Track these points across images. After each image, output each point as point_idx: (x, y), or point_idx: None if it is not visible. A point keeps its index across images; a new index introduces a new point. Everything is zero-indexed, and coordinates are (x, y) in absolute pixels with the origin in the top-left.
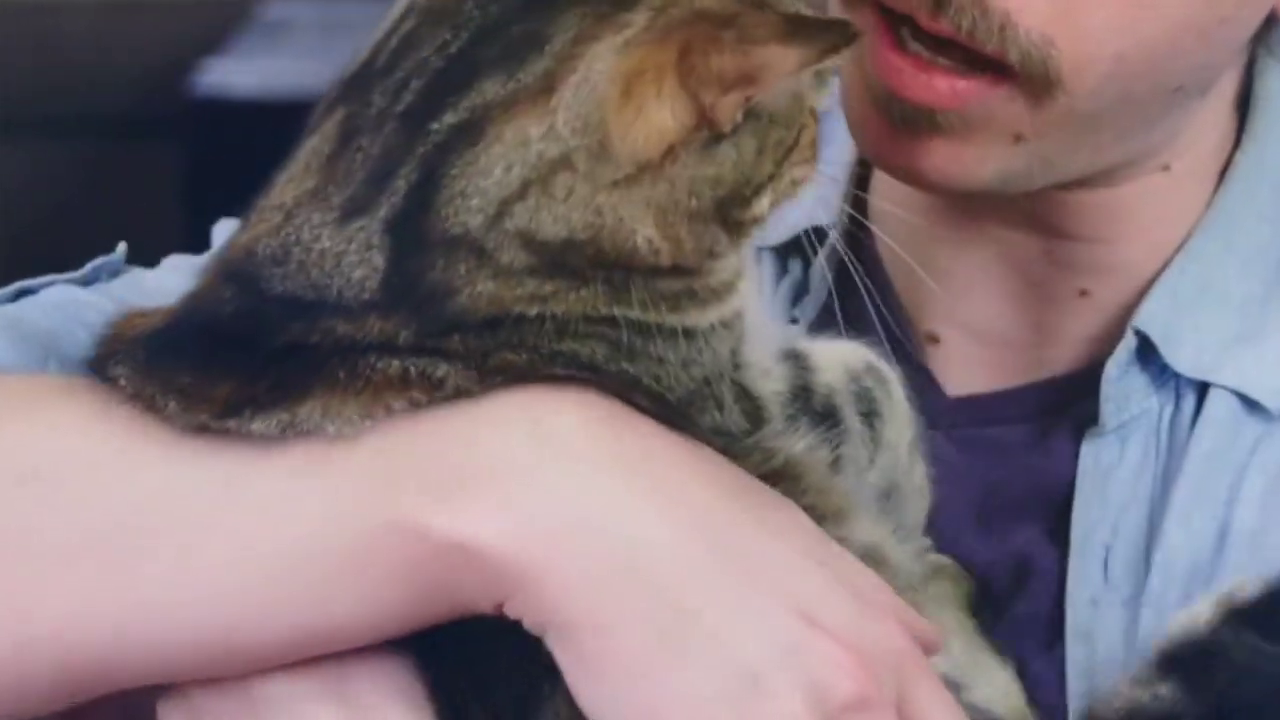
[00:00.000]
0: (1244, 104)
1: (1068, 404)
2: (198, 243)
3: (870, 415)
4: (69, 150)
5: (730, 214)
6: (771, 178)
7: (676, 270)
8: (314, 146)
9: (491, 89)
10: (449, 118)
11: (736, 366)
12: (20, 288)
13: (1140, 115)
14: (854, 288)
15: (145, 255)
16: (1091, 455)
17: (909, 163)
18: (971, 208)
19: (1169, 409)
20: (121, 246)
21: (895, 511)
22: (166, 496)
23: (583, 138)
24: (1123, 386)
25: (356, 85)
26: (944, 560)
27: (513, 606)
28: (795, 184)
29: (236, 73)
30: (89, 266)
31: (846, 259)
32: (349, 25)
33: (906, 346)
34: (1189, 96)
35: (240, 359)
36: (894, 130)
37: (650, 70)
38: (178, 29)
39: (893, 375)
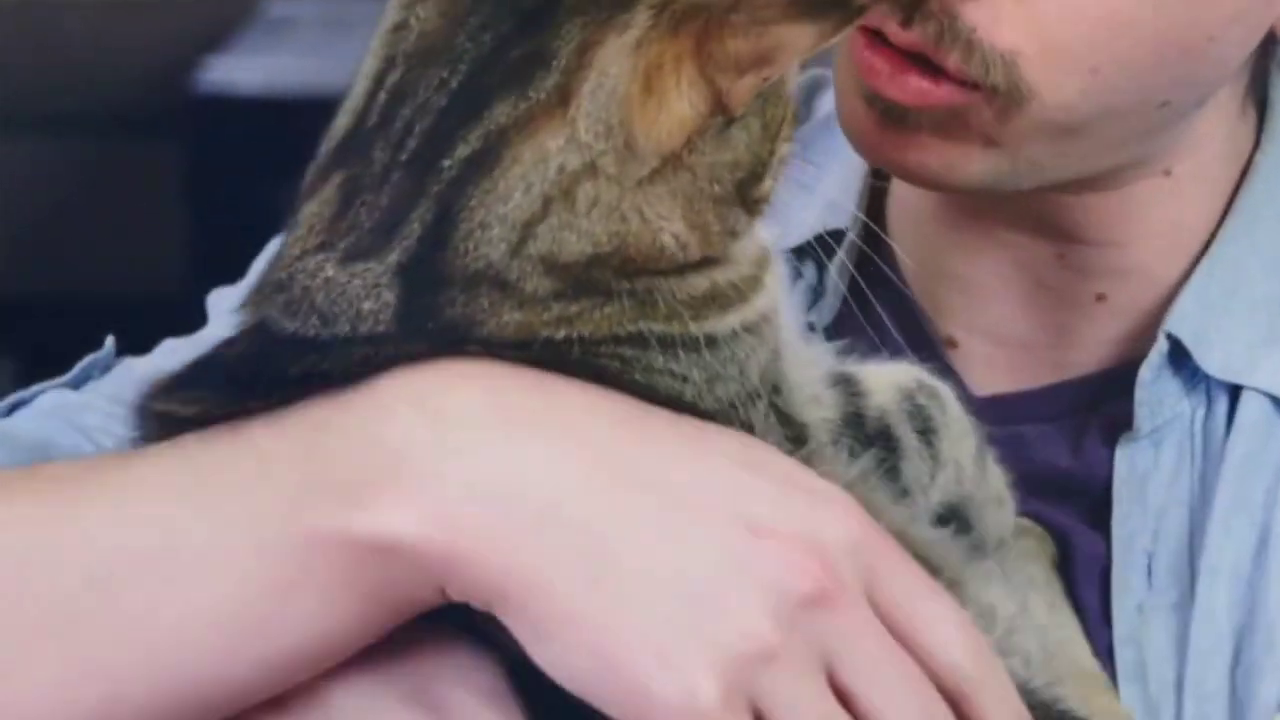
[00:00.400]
0: (1261, 105)
1: (1095, 404)
2: (199, 243)
3: (926, 432)
4: (70, 148)
5: (748, 193)
6: (771, 154)
7: (702, 264)
8: (314, 211)
9: (503, 112)
10: (461, 151)
11: (775, 390)
12: (14, 400)
13: (1127, 127)
14: (869, 290)
15: (146, 255)
16: (1126, 461)
17: (897, 158)
18: (982, 211)
19: (1200, 412)
20: (109, 341)
21: (972, 526)
22: (106, 570)
23: (607, 140)
24: (1156, 390)
25: (352, 147)
26: (1026, 522)
27: (453, 591)
28: (782, 162)
29: (239, 70)
30: (78, 367)
31: (849, 267)
32: (352, 22)
33: (926, 349)
34: (1182, 109)
35: (242, 389)
36: (881, 126)
37: (668, 62)
38: (180, 26)
39: (946, 389)
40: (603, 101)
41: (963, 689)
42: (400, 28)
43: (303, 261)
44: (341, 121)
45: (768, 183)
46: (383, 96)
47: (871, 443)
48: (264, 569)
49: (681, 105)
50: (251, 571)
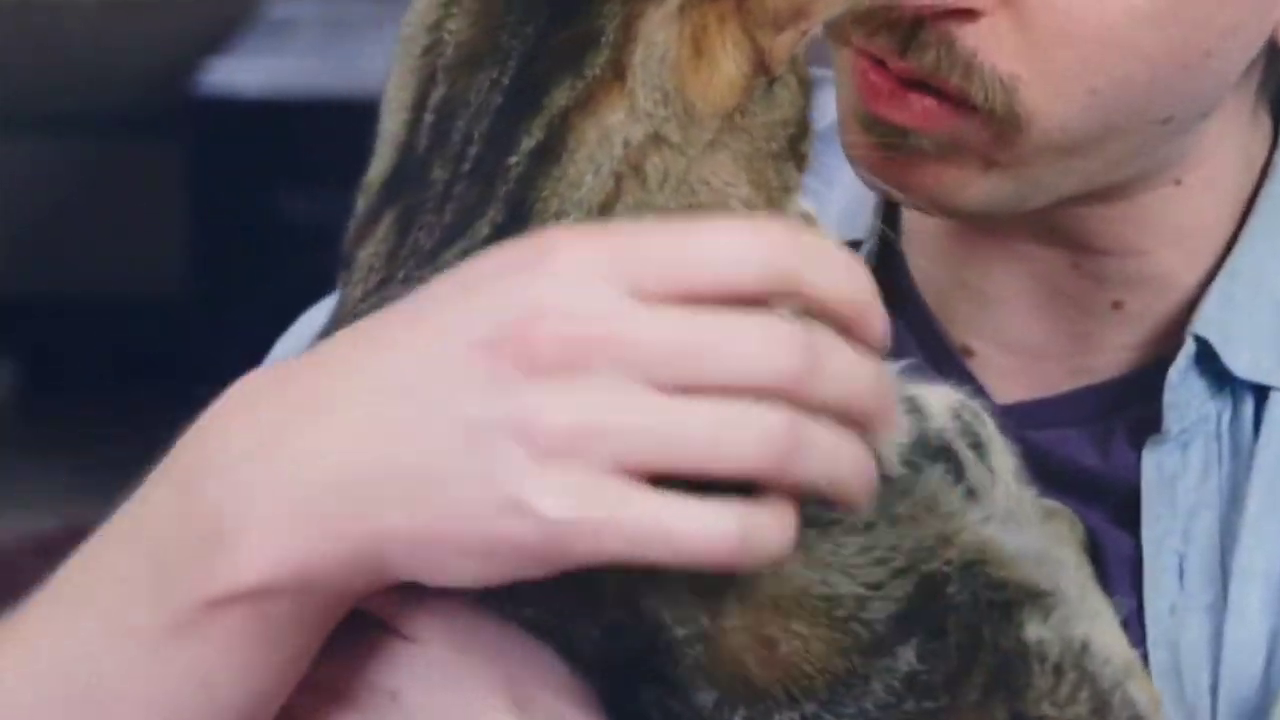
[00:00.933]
0: (1275, 108)
1: (1118, 409)
2: (200, 244)
3: (976, 447)
4: (71, 149)
5: (799, 148)
6: (808, 109)
7: None
8: (370, 253)
9: (562, 96)
10: (526, 144)
11: None
12: None
13: (1129, 144)
14: (885, 301)
15: (146, 255)
16: (1154, 464)
17: (897, 183)
18: (995, 223)
19: (1226, 414)
20: None
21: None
22: None
23: (666, 107)
24: (1183, 392)
25: (402, 181)
26: (1055, 505)
27: (343, 593)
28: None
29: (240, 71)
30: None
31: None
32: (353, 24)
33: (943, 359)
34: (1184, 123)
35: None
36: (881, 151)
37: (713, 23)
38: (181, 27)
39: (982, 410)
40: (655, 69)
41: (777, 284)
42: (432, 48)
43: (366, 302)
44: (381, 165)
45: (811, 135)
46: (429, 117)
47: (932, 457)
48: (168, 676)
49: (729, 65)
50: (162, 687)
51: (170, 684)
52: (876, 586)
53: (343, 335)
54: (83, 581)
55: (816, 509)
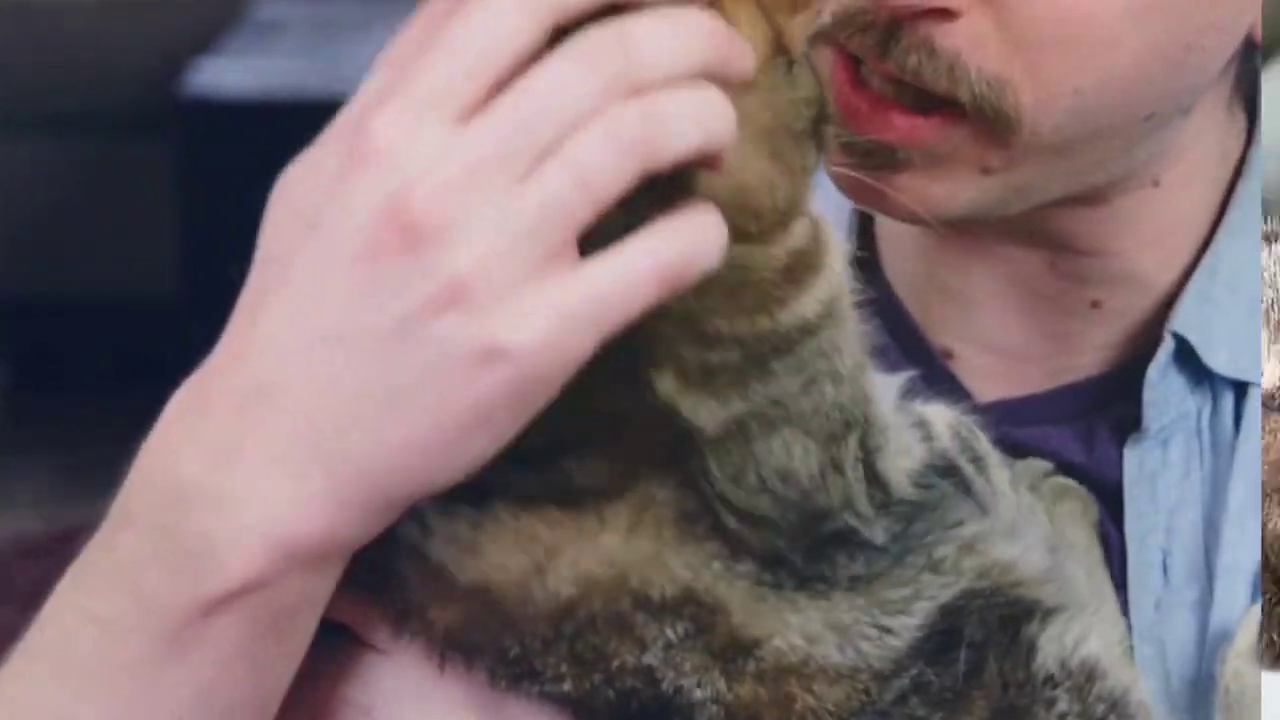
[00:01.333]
0: (1251, 105)
1: (1100, 407)
2: (190, 241)
3: (975, 462)
4: (70, 149)
5: (821, 130)
6: (825, 92)
7: (780, 220)
8: None
9: None
10: None
11: (863, 430)
12: None
13: (1114, 142)
14: (863, 306)
15: (138, 253)
16: (1135, 461)
17: (879, 198)
18: (973, 226)
19: (1206, 410)
20: None
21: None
22: None
23: None
24: (1162, 390)
25: None
26: (1071, 484)
27: (326, 563)
28: None
29: (229, 72)
30: None
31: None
32: (341, 25)
33: (924, 361)
34: (1166, 120)
35: None
36: (863, 168)
37: (728, 2)
38: (171, 28)
39: (976, 426)
40: None
41: (543, 23)
42: None
43: None
44: None
45: (831, 120)
46: None
47: (942, 478)
48: (169, 698)
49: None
50: (165, 708)
51: (171, 705)
52: (904, 634)
53: (229, 330)
54: (57, 634)
55: (868, 557)
